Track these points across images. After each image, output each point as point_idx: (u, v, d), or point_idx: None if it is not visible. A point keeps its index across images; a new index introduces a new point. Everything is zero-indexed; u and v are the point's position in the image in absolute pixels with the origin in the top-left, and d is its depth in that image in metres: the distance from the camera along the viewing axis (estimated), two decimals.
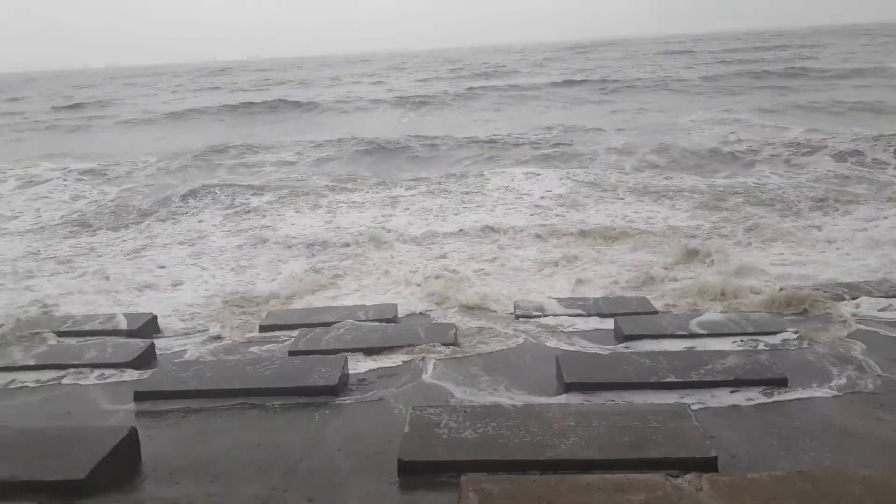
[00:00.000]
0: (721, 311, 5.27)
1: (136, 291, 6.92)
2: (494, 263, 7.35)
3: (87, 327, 5.38)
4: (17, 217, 11.11)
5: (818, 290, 5.48)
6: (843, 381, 3.87)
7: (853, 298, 5.25)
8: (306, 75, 55.07)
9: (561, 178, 11.77)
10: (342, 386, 3.99)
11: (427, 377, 4.19)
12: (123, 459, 3.07)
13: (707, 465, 2.82)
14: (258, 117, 26.69)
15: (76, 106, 35.25)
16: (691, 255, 6.99)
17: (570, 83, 32.39)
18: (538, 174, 12.25)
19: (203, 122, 26.24)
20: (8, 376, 4.44)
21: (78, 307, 6.36)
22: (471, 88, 32.03)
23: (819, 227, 8.28)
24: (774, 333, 4.60)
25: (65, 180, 13.89)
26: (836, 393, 3.74)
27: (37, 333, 5.25)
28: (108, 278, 7.35)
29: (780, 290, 5.62)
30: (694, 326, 4.70)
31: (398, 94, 31.60)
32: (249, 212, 10.61)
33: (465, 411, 3.31)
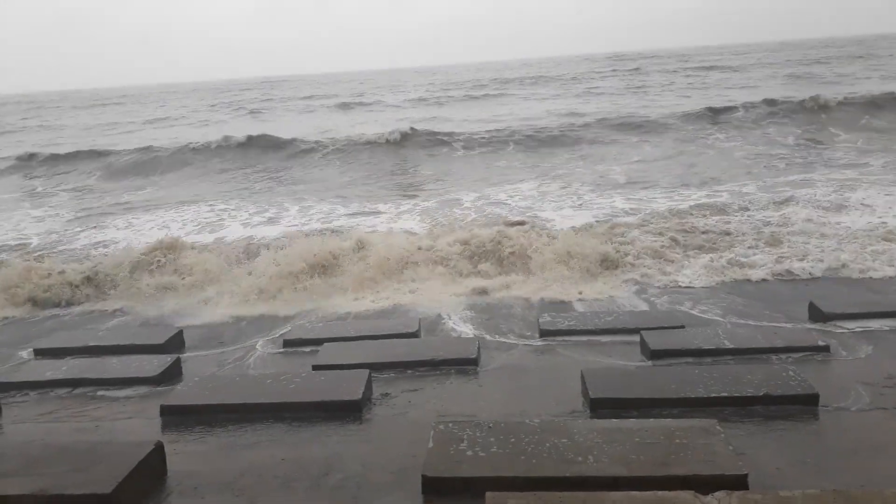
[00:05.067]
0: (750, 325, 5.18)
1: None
2: None
3: (113, 341, 5.45)
4: None
5: None
6: (877, 396, 3.77)
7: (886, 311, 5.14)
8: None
9: None
10: (366, 401, 3.98)
11: (450, 391, 4.18)
12: (150, 474, 3.08)
13: (738, 483, 2.75)
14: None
15: None
16: None
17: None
18: None
19: None
20: (36, 390, 4.51)
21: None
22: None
23: None
24: (805, 348, 4.51)
25: None
26: (869, 409, 3.64)
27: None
28: None
29: None
30: (723, 341, 4.62)
31: None
32: None
33: (489, 426, 3.28)
